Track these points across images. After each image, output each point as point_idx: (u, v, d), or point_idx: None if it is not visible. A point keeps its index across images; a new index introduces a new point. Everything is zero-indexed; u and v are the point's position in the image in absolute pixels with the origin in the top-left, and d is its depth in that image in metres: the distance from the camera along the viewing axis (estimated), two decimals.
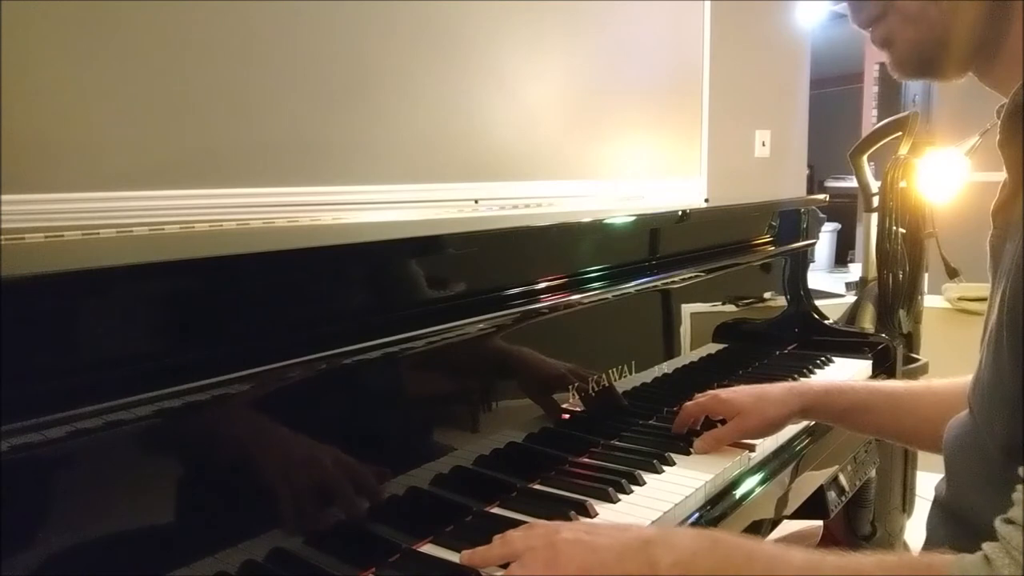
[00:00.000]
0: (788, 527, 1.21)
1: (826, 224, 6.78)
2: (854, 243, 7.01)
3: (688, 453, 1.00)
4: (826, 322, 1.65)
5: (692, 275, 1.29)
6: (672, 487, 0.92)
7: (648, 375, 1.18)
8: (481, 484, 0.88)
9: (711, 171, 2.76)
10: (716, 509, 0.90)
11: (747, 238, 1.54)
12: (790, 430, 1.14)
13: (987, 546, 0.56)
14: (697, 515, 0.90)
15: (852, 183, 2.52)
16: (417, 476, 0.81)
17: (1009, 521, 0.56)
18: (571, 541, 0.65)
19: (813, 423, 1.20)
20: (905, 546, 1.79)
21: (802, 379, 1.25)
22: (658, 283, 1.22)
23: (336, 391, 0.75)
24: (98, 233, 1.04)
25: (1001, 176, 0.66)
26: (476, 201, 1.74)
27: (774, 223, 1.59)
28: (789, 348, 1.58)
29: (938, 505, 0.74)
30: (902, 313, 1.82)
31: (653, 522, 0.84)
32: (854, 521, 1.80)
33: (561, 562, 0.64)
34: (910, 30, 0.63)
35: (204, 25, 1.41)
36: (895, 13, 0.64)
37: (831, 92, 6.76)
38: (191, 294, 0.65)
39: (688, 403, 1.08)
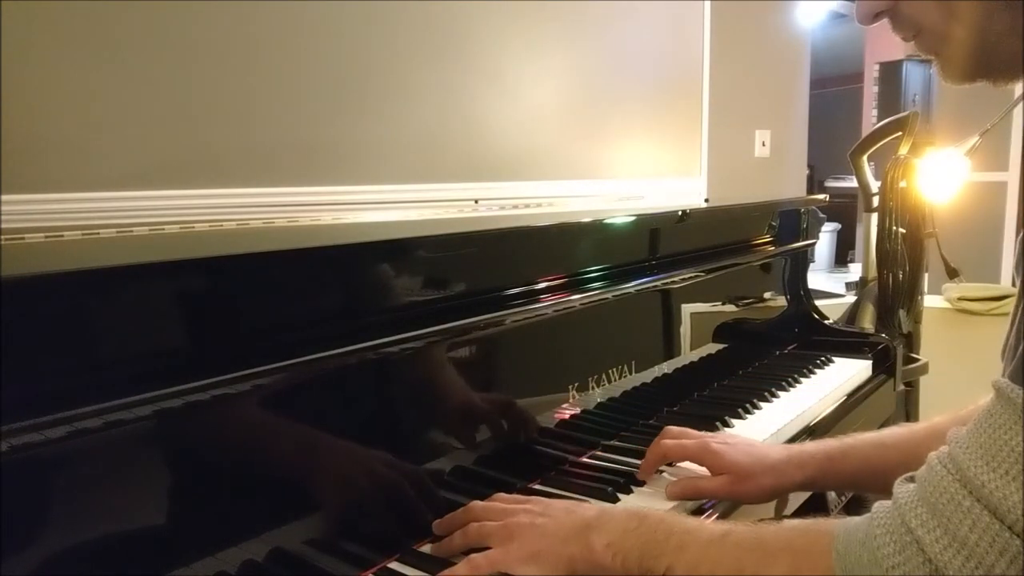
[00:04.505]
0: None
1: (826, 224, 6.79)
2: (854, 243, 7.02)
3: None
4: (826, 322, 1.65)
5: (692, 275, 1.29)
6: None
7: (648, 375, 1.18)
8: (481, 484, 0.88)
9: (711, 171, 2.76)
10: (717, 507, 0.90)
11: (747, 238, 1.54)
12: (789, 429, 1.14)
13: (877, 505, 0.56)
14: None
15: (852, 183, 2.52)
16: (418, 476, 0.81)
17: (911, 480, 0.56)
18: (524, 525, 0.71)
19: (814, 422, 1.20)
20: None
21: (797, 444, 0.97)
22: (658, 283, 1.22)
23: (335, 391, 0.75)
24: (98, 233, 1.03)
25: (1001, 176, 0.66)
26: (476, 201, 1.74)
27: (774, 223, 1.59)
28: (789, 348, 1.58)
29: None
30: (902, 313, 1.82)
31: None
32: None
33: (514, 546, 0.70)
34: (943, 46, 0.64)
35: (204, 25, 1.40)
36: (927, 32, 0.64)
37: (831, 92, 6.77)
38: (191, 294, 0.65)
39: (668, 441, 0.93)
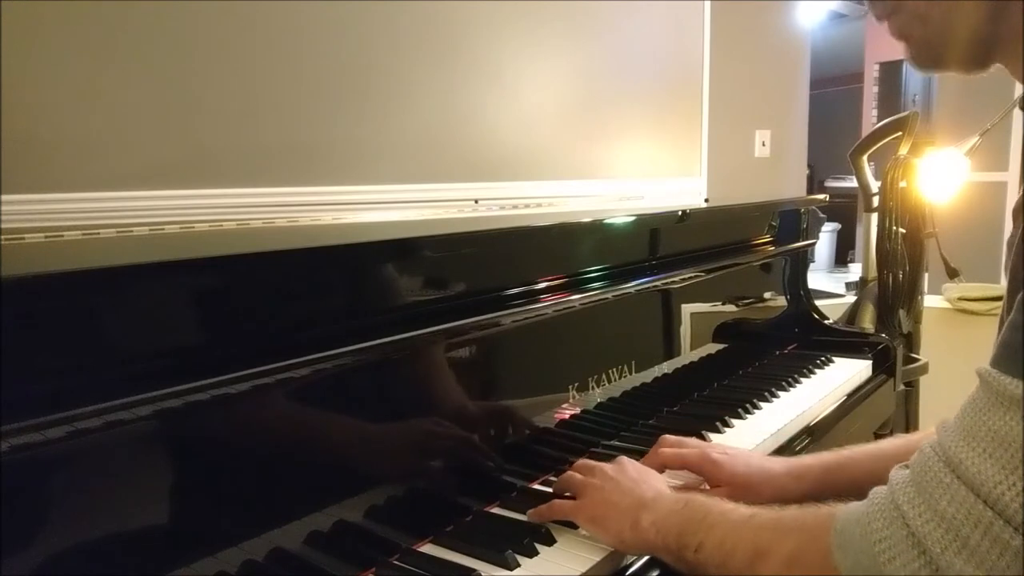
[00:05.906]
0: None
1: (826, 224, 6.80)
2: (854, 243, 7.02)
3: None
4: (826, 322, 1.65)
5: (692, 275, 1.29)
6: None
7: (648, 375, 1.18)
8: (481, 484, 0.88)
9: (711, 171, 2.76)
10: None
11: (747, 238, 1.54)
12: (790, 429, 1.14)
13: (875, 489, 0.60)
14: None
15: (852, 183, 2.52)
16: (417, 476, 0.81)
17: (906, 466, 0.59)
18: (596, 488, 0.81)
19: (814, 422, 1.20)
20: None
21: (795, 457, 0.96)
22: (658, 283, 1.23)
23: (336, 391, 0.75)
24: (98, 233, 1.04)
25: (1001, 176, 0.66)
26: (476, 201, 1.75)
27: (774, 223, 1.59)
28: (789, 348, 1.58)
29: None
30: (902, 313, 1.82)
31: None
32: None
33: (583, 504, 0.81)
34: (918, 27, 0.64)
35: (204, 25, 1.41)
36: (904, 11, 0.64)
37: (831, 92, 6.77)
38: (191, 294, 0.65)
39: (666, 449, 0.93)
